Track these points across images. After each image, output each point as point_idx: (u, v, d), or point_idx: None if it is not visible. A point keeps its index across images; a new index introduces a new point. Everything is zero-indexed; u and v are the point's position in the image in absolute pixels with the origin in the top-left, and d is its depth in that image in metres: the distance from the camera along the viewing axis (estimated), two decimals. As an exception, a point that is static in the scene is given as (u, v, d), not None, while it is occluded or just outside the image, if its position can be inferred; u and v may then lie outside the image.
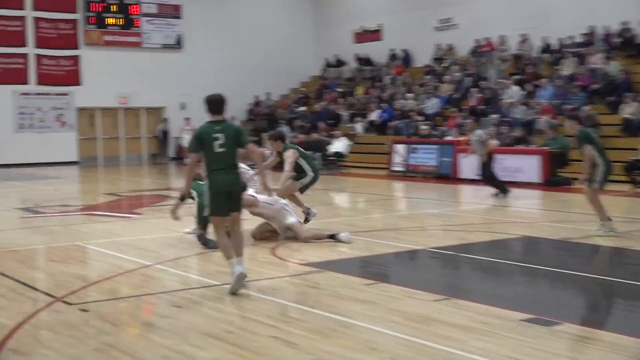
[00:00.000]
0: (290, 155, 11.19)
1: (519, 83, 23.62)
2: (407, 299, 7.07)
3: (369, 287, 7.59)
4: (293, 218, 10.44)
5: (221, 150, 7.34)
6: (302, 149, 11.53)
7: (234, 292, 7.26)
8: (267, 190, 9.16)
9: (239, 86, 32.35)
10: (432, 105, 25.50)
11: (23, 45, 29.29)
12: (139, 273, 8.57)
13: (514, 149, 19.62)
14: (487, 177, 16.59)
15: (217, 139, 7.34)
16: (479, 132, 16.72)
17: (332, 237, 10.27)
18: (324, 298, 7.20)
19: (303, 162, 11.33)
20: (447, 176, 20.73)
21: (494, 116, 22.28)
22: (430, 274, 8.71)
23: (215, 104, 7.51)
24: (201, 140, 7.40)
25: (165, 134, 31.65)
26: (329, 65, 33.72)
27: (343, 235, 10.23)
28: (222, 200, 7.38)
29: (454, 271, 8.95)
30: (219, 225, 7.53)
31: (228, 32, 33.14)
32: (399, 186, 20.04)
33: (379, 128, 26.44)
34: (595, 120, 19.85)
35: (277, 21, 34.38)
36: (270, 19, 34.16)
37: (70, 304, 7.10)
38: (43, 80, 29.74)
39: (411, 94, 26.62)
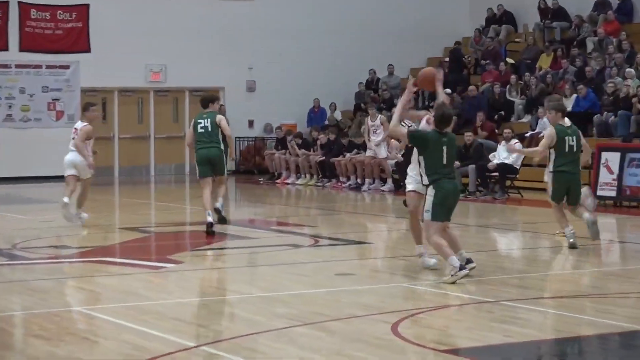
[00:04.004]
0: None
1: None
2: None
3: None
4: None
5: None
6: None
7: None
8: None
9: (342, 56, 32.54)
10: (668, 87, 25.05)
11: (0, -12, 30.31)
12: (174, 359, 8.60)
13: None
14: None
15: None
16: None
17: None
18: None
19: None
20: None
21: None
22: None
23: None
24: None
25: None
26: (492, 20, 33.54)
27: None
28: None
29: None
30: None
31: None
32: (607, 223, 19.61)
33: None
34: None
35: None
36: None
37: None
38: (30, 44, 30.54)
39: (631, 69, 26.17)
